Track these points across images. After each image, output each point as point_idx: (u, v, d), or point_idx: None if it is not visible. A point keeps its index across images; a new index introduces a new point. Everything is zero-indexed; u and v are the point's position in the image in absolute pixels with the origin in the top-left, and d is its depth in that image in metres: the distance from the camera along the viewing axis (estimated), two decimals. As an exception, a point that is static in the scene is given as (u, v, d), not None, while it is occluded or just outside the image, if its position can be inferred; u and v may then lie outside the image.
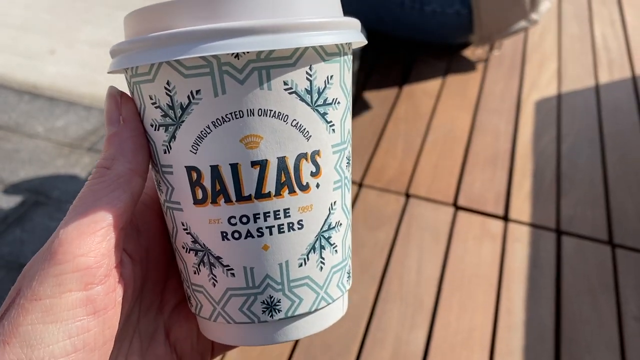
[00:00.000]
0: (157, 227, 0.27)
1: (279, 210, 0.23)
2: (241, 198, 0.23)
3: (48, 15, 1.81)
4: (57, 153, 1.29)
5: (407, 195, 1.06)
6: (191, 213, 0.24)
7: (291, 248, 0.24)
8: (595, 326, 0.84)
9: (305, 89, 0.23)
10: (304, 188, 0.23)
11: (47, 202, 1.16)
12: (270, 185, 0.23)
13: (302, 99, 0.23)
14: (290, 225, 0.23)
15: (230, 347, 0.30)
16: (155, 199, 0.27)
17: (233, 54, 0.21)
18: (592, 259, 0.94)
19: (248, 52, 0.21)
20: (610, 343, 0.82)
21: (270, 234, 0.23)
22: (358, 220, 1.00)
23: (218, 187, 0.23)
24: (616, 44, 1.55)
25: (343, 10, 0.26)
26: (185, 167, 0.23)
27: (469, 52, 1.48)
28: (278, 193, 0.23)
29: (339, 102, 0.24)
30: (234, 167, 0.22)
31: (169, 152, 0.23)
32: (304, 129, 0.23)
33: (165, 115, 0.23)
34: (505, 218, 1.02)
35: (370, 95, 1.32)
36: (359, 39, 0.24)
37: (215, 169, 0.23)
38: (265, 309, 0.24)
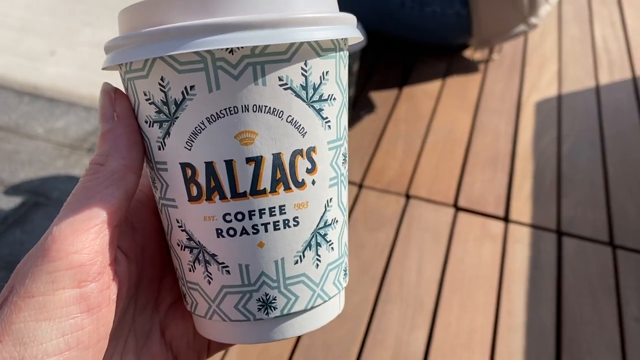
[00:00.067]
0: (152, 225, 0.27)
1: (274, 207, 0.23)
2: (236, 195, 0.23)
3: (48, 16, 1.81)
4: (57, 154, 1.29)
5: (408, 196, 1.05)
6: (186, 210, 0.24)
7: (287, 245, 0.23)
8: (596, 327, 0.84)
9: (301, 84, 0.22)
10: (300, 185, 0.23)
11: (47, 203, 1.16)
12: (265, 182, 0.23)
13: (298, 95, 0.22)
14: (286, 222, 0.23)
15: (226, 346, 0.30)
16: (151, 196, 0.27)
17: (227, 49, 0.21)
18: (593, 260, 0.94)
19: (242, 48, 0.21)
20: (611, 344, 0.81)
21: (266, 231, 0.23)
22: (358, 221, 1.00)
23: (213, 184, 0.23)
24: (616, 45, 1.55)
25: (343, 10, 0.26)
26: (179, 163, 0.23)
27: (469, 53, 1.48)
28: (273, 190, 0.23)
29: (334, 98, 0.24)
30: (229, 164, 0.22)
31: (163, 148, 0.23)
32: (300, 125, 0.23)
33: (159, 111, 0.23)
34: (506, 219, 1.02)
35: (370, 96, 1.31)
36: (355, 35, 0.24)
37: (209, 166, 0.22)
38: (260, 307, 0.24)
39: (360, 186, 1.07)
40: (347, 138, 0.26)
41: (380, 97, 1.31)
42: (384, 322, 0.84)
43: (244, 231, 0.23)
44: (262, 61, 0.22)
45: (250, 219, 0.23)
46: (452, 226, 1.00)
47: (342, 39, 0.24)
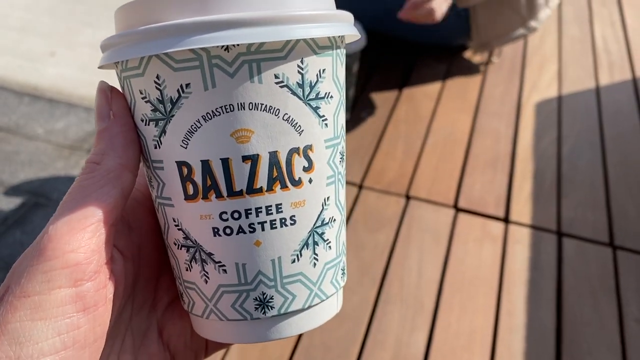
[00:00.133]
0: (149, 224, 0.27)
1: (271, 206, 0.23)
2: (232, 193, 0.22)
3: (48, 17, 1.81)
4: (57, 155, 1.29)
5: (408, 197, 1.05)
6: (182, 209, 0.23)
7: (284, 244, 0.23)
8: (596, 328, 0.84)
9: (297, 82, 0.22)
10: (296, 183, 0.23)
11: (47, 204, 1.16)
12: (261, 180, 0.22)
13: (294, 93, 0.22)
14: (283, 220, 0.23)
15: (223, 345, 0.29)
16: (147, 195, 0.27)
17: (223, 46, 0.21)
18: (593, 261, 0.94)
19: (238, 45, 0.21)
20: (611, 345, 0.81)
21: (263, 229, 0.23)
22: (358, 222, 0.99)
23: (209, 182, 0.22)
24: (616, 46, 1.55)
25: (341, 9, 0.25)
26: (175, 162, 0.23)
27: (469, 55, 1.48)
28: (270, 188, 0.23)
29: (331, 97, 0.24)
30: (225, 162, 0.22)
31: (159, 147, 0.23)
32: (296, 123, 0.23)
33: (155, 109, 0.23)
34: (506, 220, 1.01)
35: (370, 97, 1.31)
36: (352, 32, 0.24)
37: (206, 164, 0.22)
38: (257, 306, 0.24)
39: (361, 187, 1.07)
40: (344, 136, 0.26)
41: (380, 98, 1.31)
42: (384, 323, 0.84)
43: (240, 230, 0.23)
44: (258, 59, 0.21)
45: (247, 217, 0.23)
46: (452, 227, 1.00)
47: (339, 36, 0.24)
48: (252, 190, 0.22)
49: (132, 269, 0.26)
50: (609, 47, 1.54)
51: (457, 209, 1.03)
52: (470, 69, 1.43)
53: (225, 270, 0.23)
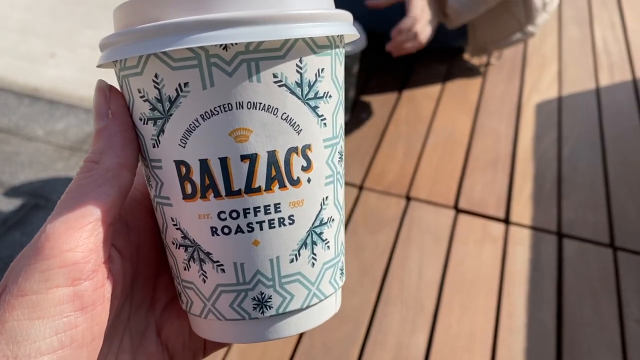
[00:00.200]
0: (147, 223, 0.27)
1: (269, 205, 0.23)
2: (231, 193, 0.22)
3: (48, 18, 1.81)
4: (57, 156, 1.29)
5: (408, 198, 1.05)
6: (180, 208, 0.23)
7: (282, 243, 0.23)
8: (596, 329, 0.83)
9: (296, 81, 0.22)
10: (295, 183, 0.23)
11: (47, 205, 1.16)
12: (260, 180, 0.22)
13: (292, 92, 0.22)
14: (281, 220, 0.23)
15: (222, 345, 0.29)
16: (146, 194, 0.27)
17: (221, 45, 0.21)
18: (594, 262, 0.94)
19: (236, 44, 0.21)
20: (611, 346, 0.81)
21: (261, 229, 0.23)
22: (358, 223, 0.99)
23: (207, 182, 0.22)
24: (616, 47, 1.55)
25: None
26: (174, 161, 0.23)
27: (469, 56, 1.48)
28: (268, 187, 0.22)
29: (330, 96, 0.24)
30: (223, 161, 0.22)
31: (157, 146, 0.23)
32: (295, 123, 0.23)
33: (153, 108, 0.23)
34: (506, 221, 1.01)
35: (370, 98, 1.31)
36: (351, 32, 0.24)
37: (204, 163, 0.22)
38: (256, 306, 0.24)
39: (361, 188, 1.07)
40: (343, 136, 0.26)
41: (381, 99, 1.31)
42: (384, 324, 0.84)
43: (238, 229, 0.23)
44: (257, 58, 0.21)
45: (245, 217, 0.23)
46: (452, 228, 0.99)
47: (338, 35, 0.24)
48: (250, 189, 0.22)
49: (130, 269, 0.26)
50: (609, 48, 1.54)
51: (458, 210, 1.03)
52: (470, 69, 1.43)
53: (223, 270, 0.23)
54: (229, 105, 0.22)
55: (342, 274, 0.27)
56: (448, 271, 0.92)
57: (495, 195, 1.07)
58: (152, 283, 0.28)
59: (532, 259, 0.94)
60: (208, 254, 0.23)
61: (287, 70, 0.22)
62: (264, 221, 0.23)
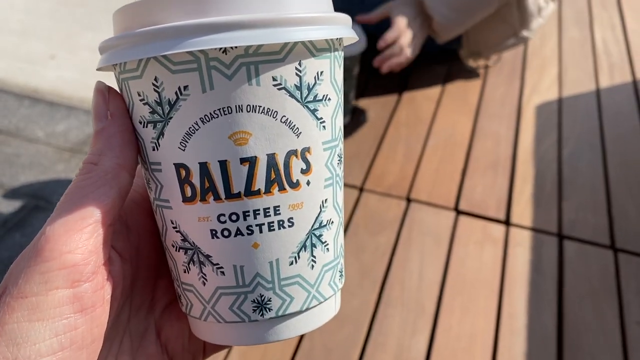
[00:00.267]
0: (147, 226, 0.27)
1: (268, 208, 0.23)
2: (230, 195, 0.22)
3: (49, 20, 1.81)
4: (57, 158, 1.29)
5: (408, 200, 1.05)
6: (180, 211, 0.23)
7: (282, 246, 0.23)
8: (597, 330, 0.83)
9: (295, 84, 0.22)
10: (294, 185, 0.23)
11: (47, 207, 1.16)
12: (259, 183, 0.22)
13: (292, 95, 0.22)
14: (281, 223, 0.23)
15: (222, 347, 0.29)
16: (146, 196, 0.27)
17: (221, 49, 0.21)
18: (594, 264, 0.94)
19: (236, 47, 0.21)
20: (612, 347, 0.81)
21: (260, 231, 0.23)
22: (359, 225, 0.99)
23: (207, 185, 0.22)
24: (617, 48, 1.55)
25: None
26: (173, 164, 0.23)
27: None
28: (268, 190, 0.23)
29: (329, 99, 0.24)
30: (223, 164, 0.22)
31: (157, 149, 0.23)
32: (294, 126, 0.23)
33: (153, 112, 0.23)
34: (507, 222, 1.01)
35: (370, 100, 1.31)
36: (350, 35, 0.24)
37: (204, 166, 0.22)
38: (255, 308, 0.24)
39: (361, 190, 1.07)
40: (342, 139, 0.26)
41: (381, 101, 1.31)
42: (384, 325, 0.84)
43: (238, 232, 0.23)
44: (256, 61, 0.21)
45: (245, 219, 0.23)
46: (453, 230, 0.99)
47: (337, 39, 0.24)
48: (250, 192, 0.22)
49: (130, 271, 0.26)
50: (609, 50, 1.54)
51: (458, 212, 1.03)
52: (470, 71, 1.43)
53: (223, 273, 0.23)
54: (229, 108, 0.22)
55: (341, 276, 0.27)
56: (448, 273, 0.92)
57: (496, 196, 1.07)
58: (151, 285, 0.28)
59: (532, 260, 0.94)
60: (208, 256, 0.23)
61: (287, 73, 0.22)
62: (263, 224, 0.23)
